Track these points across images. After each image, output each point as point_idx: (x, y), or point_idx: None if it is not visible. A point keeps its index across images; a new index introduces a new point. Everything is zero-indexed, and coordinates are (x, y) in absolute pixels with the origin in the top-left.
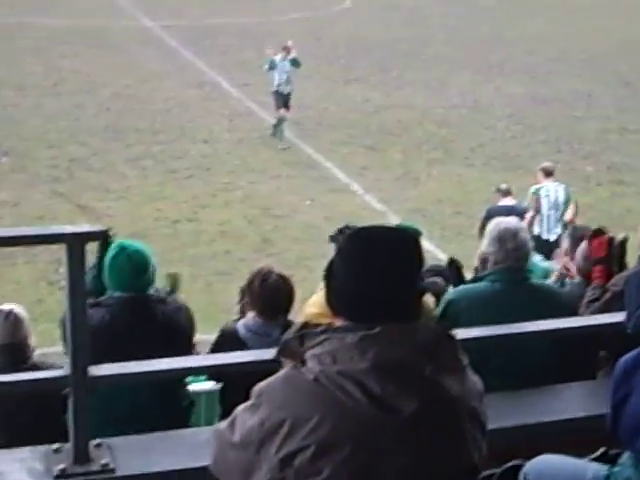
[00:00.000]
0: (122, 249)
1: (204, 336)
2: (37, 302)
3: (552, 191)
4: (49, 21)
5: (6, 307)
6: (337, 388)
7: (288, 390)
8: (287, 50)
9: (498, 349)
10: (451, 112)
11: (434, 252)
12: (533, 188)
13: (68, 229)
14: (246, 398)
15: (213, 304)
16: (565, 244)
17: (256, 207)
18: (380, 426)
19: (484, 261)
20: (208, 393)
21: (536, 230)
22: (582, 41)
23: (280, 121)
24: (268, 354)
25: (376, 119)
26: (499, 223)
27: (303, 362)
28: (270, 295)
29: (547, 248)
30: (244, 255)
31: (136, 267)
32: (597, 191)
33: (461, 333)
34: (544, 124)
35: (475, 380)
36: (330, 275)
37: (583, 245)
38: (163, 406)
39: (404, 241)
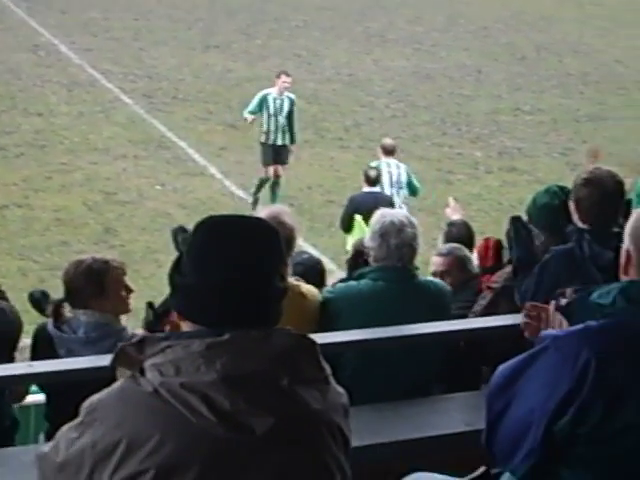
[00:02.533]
0: None
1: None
2: None
3: (393, 168)
4: None
5: None
6: (180, 403)
7: (124, 405)
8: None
9: (381, 354)
10: (323, 87)
11: (302, 245)
12: (373, 163)
13: None
14: (75, 413)
15: None
16: (439, 243)
17: (98, 192)
18: (230, 446)
19: (358, 255)
20: (37, 406)
21: None
22: (472, 10)
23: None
24: (99, 361)
25: (238, 92)
26: (384, 215)
27: (142, 372)
28: (76, 282)
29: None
30: (83, 247)
31: None
32: (486, 179)
33: (339, 336)
34: (428, 102)
35: (339, 392)
36: (176, 271)
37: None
38: None
39: (262, 234)
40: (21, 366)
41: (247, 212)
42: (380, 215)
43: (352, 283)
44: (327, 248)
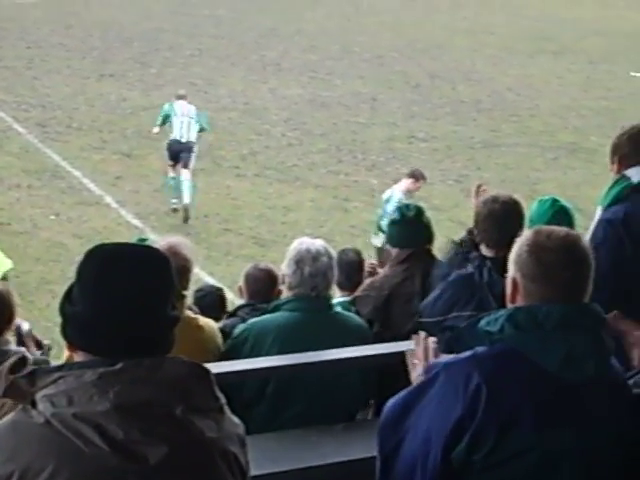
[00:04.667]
0: None
1: None
2: None
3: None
4: None
5: None
6: (73, 433)
7: (16, 438)
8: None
9: (296, 382)
10: (219, 115)
11: (199, 274)
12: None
13: None
14: None
15: None
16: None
17: None
18: (124, 476)
19: (248, 284)
20: None
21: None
22: (366, 38)
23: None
24: None
25: (133, 121)
26: (301, 243)
27: (33, 404)
28: None
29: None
30: None
31: None
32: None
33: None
34: (324, 130)
35: (234, 422)
36: (67, 300)
37: None
38: None
39: (150, 260)
40: None
41: (140, 233)
42: (297, 243)
43: (268, 316)
44: (224, 277)
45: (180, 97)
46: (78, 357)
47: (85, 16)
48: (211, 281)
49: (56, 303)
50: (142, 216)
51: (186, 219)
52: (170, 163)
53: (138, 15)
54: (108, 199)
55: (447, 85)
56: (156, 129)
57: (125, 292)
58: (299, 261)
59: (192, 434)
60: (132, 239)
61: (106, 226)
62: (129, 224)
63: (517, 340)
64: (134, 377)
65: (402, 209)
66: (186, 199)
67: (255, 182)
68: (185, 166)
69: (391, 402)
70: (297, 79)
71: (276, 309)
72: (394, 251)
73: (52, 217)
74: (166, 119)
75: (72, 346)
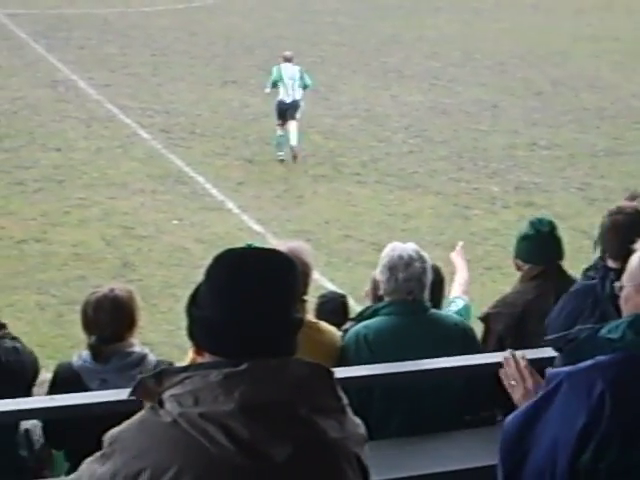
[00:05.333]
0: None
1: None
2: None
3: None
4: None
5: None
6: (199, 433)
7: (144, 436)
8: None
9: (401, 389)
10: (340, 122)
11: (319, 280)
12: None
13: None
14: (95, 447)
15: (63, 337)
16: None
17: (116, 226)
18: (249, 475)
19: (375, 288)
20: None
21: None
22: (488, 45)
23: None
24: (119, 395)
25: (255, 127)
26: (394, 249)
27: (161, 403)
28: (87, 311)
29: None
30: (101, 281)
31: None
32: (503, 214)
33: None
34: (445, 137)
35: (357, 422)
36: (193, 303)
37: None
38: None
39: (277, 265)
40: (43, 399)
41: (261, 239)
42: (390, 249)
43: (368, 322)
44: (344, 283)
45: (286, 59)
46: (204, 359)
47: (209, 24)
48: (332, 287)
49: (179, 307)
50: (264, 222)
51: (294, 158)
52: (278, 122)
53: (260, 23)
54: (230, 204)
55: (570, 92)
56: (267, 90)
57: (252, 295)
58: (392, 268)
59: (316, 434)
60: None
61: (228, 231)
62: (251, 229)
63: (639, 346)
64: (259, 378)
65: (536, 224)
66: (293, 142)
67: (376, 189)
68: (292, 118)
69: (512, 417)
70: (418, 86)
71: (375, 314)
72: (526, 266)
73: (175, 222)
74: (275, 83)
75: (198, 348)
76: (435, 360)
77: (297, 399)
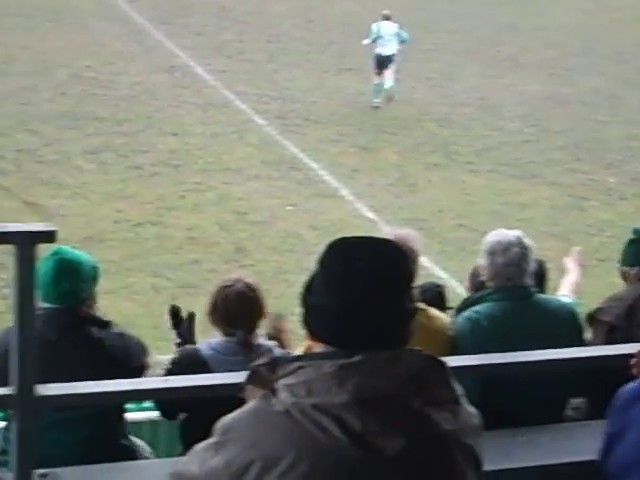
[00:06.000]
0: (54, 254)
1: (166, 357)
2: None
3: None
4: None
5: None
6: (312, 423)
7: (258, 426)
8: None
9: (508, 379)
10: (455, 110)
11: (432, 269)
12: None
13: (17, 227)
14: (208, 430)
15: None
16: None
17: (230, 211)
18: (362, 467)
19: (475, 275)
20: (152, 423)
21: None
22: (608, 34)
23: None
24: (235, 378)
25: (370, 115)
26: (495, 235)
27: (274, 392)
28: (230, 305)
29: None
30: (214, 265)
31: (63, 276)
32: (620, 206)
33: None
34: (562, 127)
35: (472, 412)
36: (308, 292)
37: None
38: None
39: (391, 254)
40: (157, 380)
41: (372, 231)
42: (492, 234)
43: (477, 308)
44: (457, 272)
45: (386, 17)
46: (318, 348)
47: (326, 10)
48: (444, 276)
49: (291, 293)
50: (377, 209)
51: (389, 99)
52: (376, 71)
53: (376, 10)
54: (344, 192)
55: None
56: (366, 41)
57: (366, 284)
58: (492, 253)
59: (429, 427)
60: (367, 233)
61: (342, 218)
62: (364, 217)
63: None
64: (373, 369)
65: (639, 229)
66: (388, 85)
67: (490, 178)
68: (388, 68)
69: (626, 386)
70: (535, 75)
71: (480, 300)
72: (633, 270)
73: (289, 208)
74: (375, 39)
75: (312, 336)
76: (554, 351)
77: (410, 392)
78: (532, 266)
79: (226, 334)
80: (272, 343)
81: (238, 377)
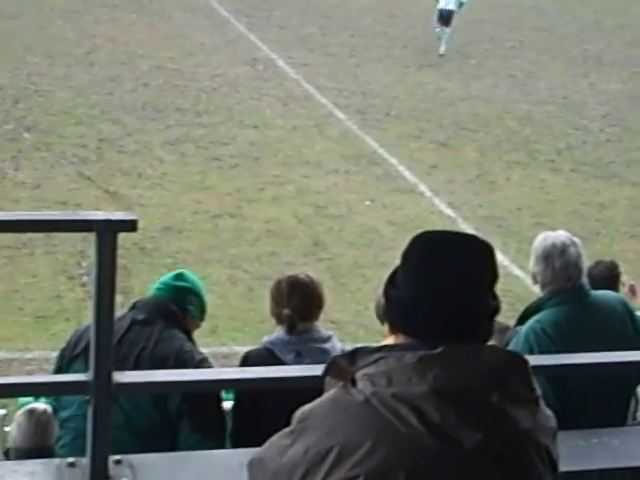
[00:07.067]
0: (177, 278)
1: (242, 347)
2: (55, 298)
3: None
4: None
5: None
6: (391, 413)
7: (336, 414)
8: None
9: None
10: (537, 108)
11: (509, 267)
12: None
13: (99, 215)
14: (280, 422)
15: (253, 311)
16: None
17: (308, 205)
18: (438, 458)
19: (533, 279)
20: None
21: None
22: None
23: (440, 36)
24: (310, 371)
25: (450, 112)
26: (545, 239)
27: (353, 382)
28: (294, 299)
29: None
30: (292, 258)
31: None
32: None
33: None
34: None
35: (548, 414)
36: (391, 284)
37: None
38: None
39: (476, 250)
40: (234, 371)
41: (450, 227)
42: (542, 238)
43: (540, 315)
44: None
45: None
46: (398, 339)
47: (408, 6)
48: (521, 275)
49: (367, 287)
50: (455, 206)
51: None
52: (437, 25)
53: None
54: (422, 187)
55: None
56: None
57: (449, 278)
58: (547, 257)
59: (507, 423)
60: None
61: (419, 214)
62: (442, 213)
63: None
64: (453, 362)
65: None
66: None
67: (570, 177)
68: (447, 25)
69: None
70: (618, 74)
71: (541, 307)
72: None
73: (367, 203)
74: None
75: (393, 328)
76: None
77: (490, 386)
78: (586, 264)
79: (286, 325)
80: (330, 333)
81: (313, 370)
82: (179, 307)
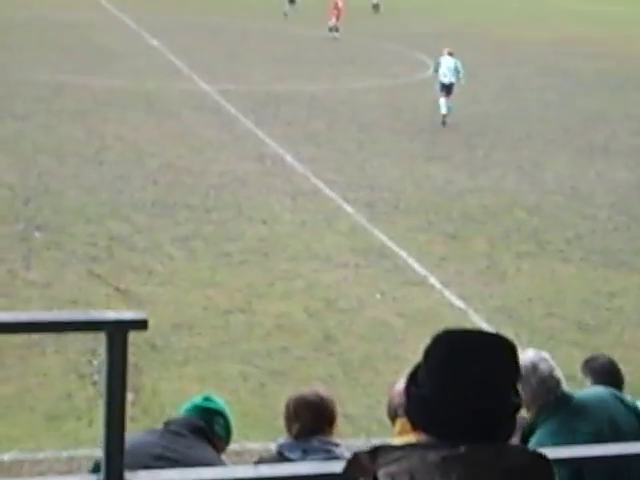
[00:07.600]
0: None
1: (254, 444)
2: (66, 397)
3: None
4: (92, 81)
5: None
6: None
7: None
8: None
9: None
10: (545, 198)
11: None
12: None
13: (110, 316)
14: None
15: (265, 407)
16: None
17: (318, 299)
18: None
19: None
20: None
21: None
22: None
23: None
24: (326, 467)
25: (459, 203)
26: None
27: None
28: (304, 414)
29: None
30: (303, 353)
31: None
32: None
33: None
34: None
35: None
36: (412, 382)
37: None
38: None
39: (498, 349)
40: (247, 469)
41: (461, 320)
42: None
43: (538, 436)
44: None
45: (448, 53)
46: (419, 437)
47: (415, 100)
48: None
49: (379, 381)
50: (465, 297)
51: (443, 123)
52: (442, 94)
53: (466, 99)
54: (432, 280)
55: None
56: (430, 71)
57: (471, 377)
58: (522, 379)
59: None
60: (456, 321)
61: (430, 306)
62: (452, 305)
63: None
64: (476, 462)
65: None
66: (443, 111)
67: (580, 266)
68: (447, 95)
69: None
70: (625, 163)
71: (535, 427)
72: None
73: (377, 296)
74: (437, 68)
75: (414, 426)
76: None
77: None
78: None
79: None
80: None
81: (330, 467)
82: (208, 426)
